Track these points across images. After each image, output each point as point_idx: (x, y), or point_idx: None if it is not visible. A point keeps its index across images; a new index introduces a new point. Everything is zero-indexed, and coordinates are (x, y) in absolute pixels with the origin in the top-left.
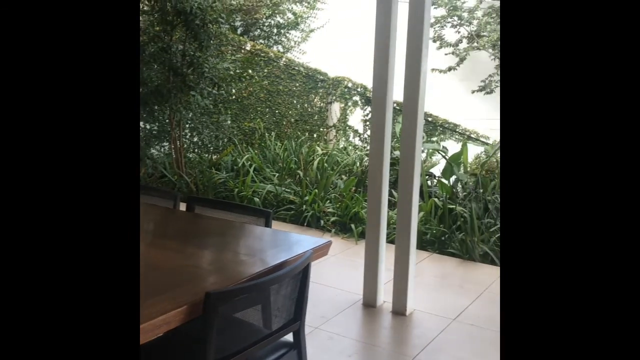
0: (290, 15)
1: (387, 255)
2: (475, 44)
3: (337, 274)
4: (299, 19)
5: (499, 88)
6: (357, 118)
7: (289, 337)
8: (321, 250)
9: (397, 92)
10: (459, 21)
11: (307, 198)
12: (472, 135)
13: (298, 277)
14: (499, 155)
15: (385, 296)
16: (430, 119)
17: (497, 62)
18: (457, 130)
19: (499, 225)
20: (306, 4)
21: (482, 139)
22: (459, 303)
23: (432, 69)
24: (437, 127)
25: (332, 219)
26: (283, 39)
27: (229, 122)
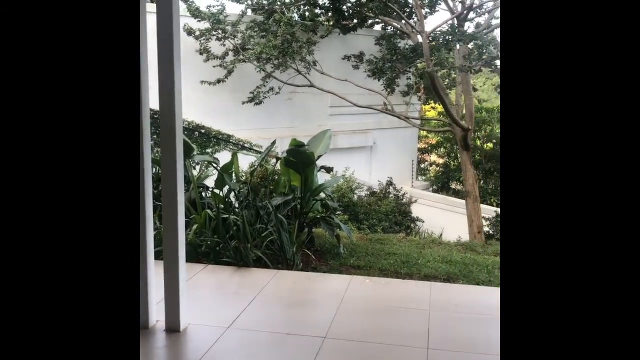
0: None
1: (159, 272)
2: (241, 57)
3: None
4: None
5: (267, 98)
6: None
7: None
8: None
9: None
10: (223, 34)
11: None
12: (245, 145)
13: None
14: (272, 162)
15: (158, 315)
16: (203, 131)
17: (263, 74)
18: (231, 140)
19: (269, 230)
20: None
21: (255, 147)
22: (233, 310)
23: (202, 81)
24: (211, 139)
25: None
26: None
27: None
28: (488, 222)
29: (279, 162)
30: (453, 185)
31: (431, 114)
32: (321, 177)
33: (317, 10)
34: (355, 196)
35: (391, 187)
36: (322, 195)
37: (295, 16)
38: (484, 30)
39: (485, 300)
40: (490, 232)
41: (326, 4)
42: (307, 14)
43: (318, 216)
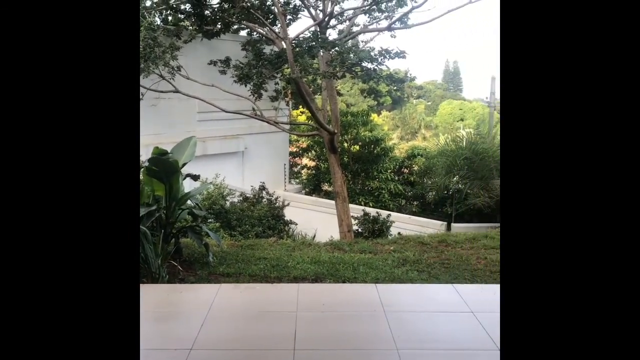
0: None
1: None
2: None
3: None
4: None
5: None
6: None
7: None
8: None
9: None
10: None
11: None
12: None
13: None
14: None
15: None
16: None
17: None
18: None
19: None
20: None
21: None
22: None
23: None
24: None
25: None
26: None
27: None
28: (357, 221)
29: (141, 171)
30: (325, 187)
31: (302, 118)
32: (189, 186)
33: (180, 15)
34: (228, 203)
35: (264, 192)
36: (190, 203)
37: (158, 20)
38: (346, 37)
39: (349, 297)
40: (359, 230)
41: (187, 9)
42: (169, 18)
43: (186, 226)
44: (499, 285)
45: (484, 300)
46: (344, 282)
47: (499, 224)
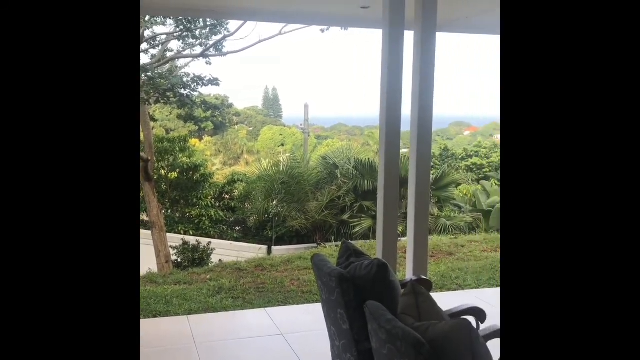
0: None
1: None
2: None
3: None
4: None
5: None
6: None
7: None
8: None
9: None
10: None
11: None
12: None
13: None
14: None
15: None
16: None
17: None
18: None
19: None
20: None
21: None
22: None
23: None
24: None
25: None
26: None
27: None
28: (176, 251)
29: None
30: (142, 217)
31: None
32: None
33: None
34: None
35: None
36: None
37: None
38: (158, 62)
39: (161, 332)
40: (179, 260)
41: None
42: None
43: None
44: (308, 305)
45: (293, 321)
46: (155, 316)
47: (315, 244)
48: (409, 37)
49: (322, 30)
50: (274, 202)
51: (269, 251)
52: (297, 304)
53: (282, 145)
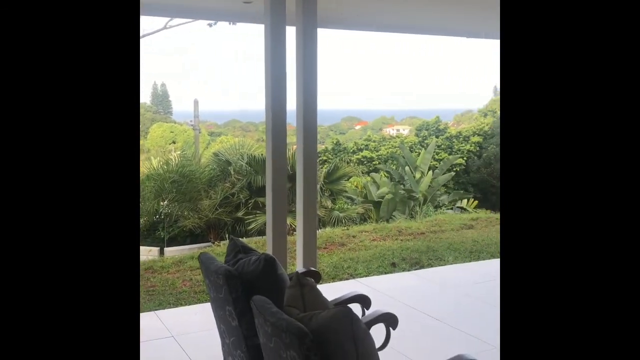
0: None
1: None
2: None
3: None
4: None
5: None
6: None
7: None
8: None
9: None
10: None
11: None
12: None
13: None
14: None
15: None
16: None
17: None
18: None
19: None
20: None
21: None
22: None
23: None
24: None
25: None
26: None
27: None
28: None
29: None
30: None
31: None
32: None
33: None
34: None
35: None
36: None
37: None
38: None
39: None
40: None
41: None
42: None
43: None
44: (199, 305)
45: (184, 323)
46: None
47: (209, 243)
48: (292, 32)
49: (210, 25)
50: (165, 202)
51: (162, 252)
52: (189, 305)
53: (174, 142)
